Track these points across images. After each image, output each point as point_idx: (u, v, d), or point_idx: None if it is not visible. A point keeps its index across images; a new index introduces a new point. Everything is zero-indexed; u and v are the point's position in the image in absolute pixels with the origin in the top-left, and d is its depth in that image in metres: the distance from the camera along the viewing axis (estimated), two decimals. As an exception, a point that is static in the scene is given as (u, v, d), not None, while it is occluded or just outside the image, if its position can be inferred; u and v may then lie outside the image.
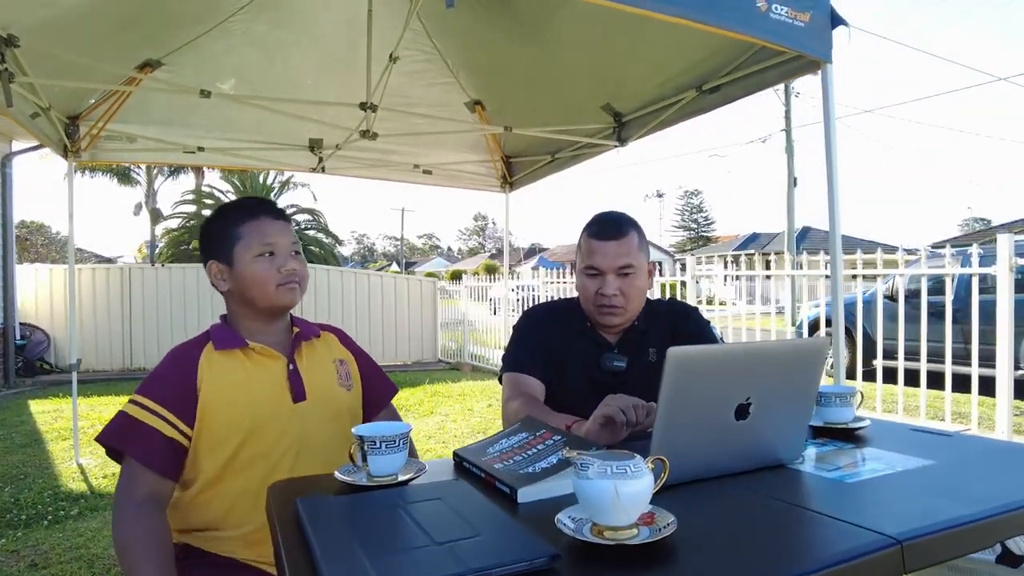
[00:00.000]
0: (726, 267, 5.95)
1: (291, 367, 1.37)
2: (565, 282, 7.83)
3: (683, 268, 6.01)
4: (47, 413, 5.72)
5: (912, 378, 3.80)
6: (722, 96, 3.14)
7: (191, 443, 1.29)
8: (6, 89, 2.65)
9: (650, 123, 3.66)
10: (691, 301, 6.00)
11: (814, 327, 8.31)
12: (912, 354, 3.85)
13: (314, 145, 4.39)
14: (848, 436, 1.31)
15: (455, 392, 6.76)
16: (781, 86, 17.39)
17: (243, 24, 3.49)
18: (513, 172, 5.02)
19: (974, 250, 3.36)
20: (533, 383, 1.52)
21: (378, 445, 1.01)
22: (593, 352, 1.56)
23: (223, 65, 3.74)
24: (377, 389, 1.56)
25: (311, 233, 18.06)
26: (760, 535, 0.82)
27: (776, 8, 2.34)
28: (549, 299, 3.40)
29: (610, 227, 1.54)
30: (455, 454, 1.15)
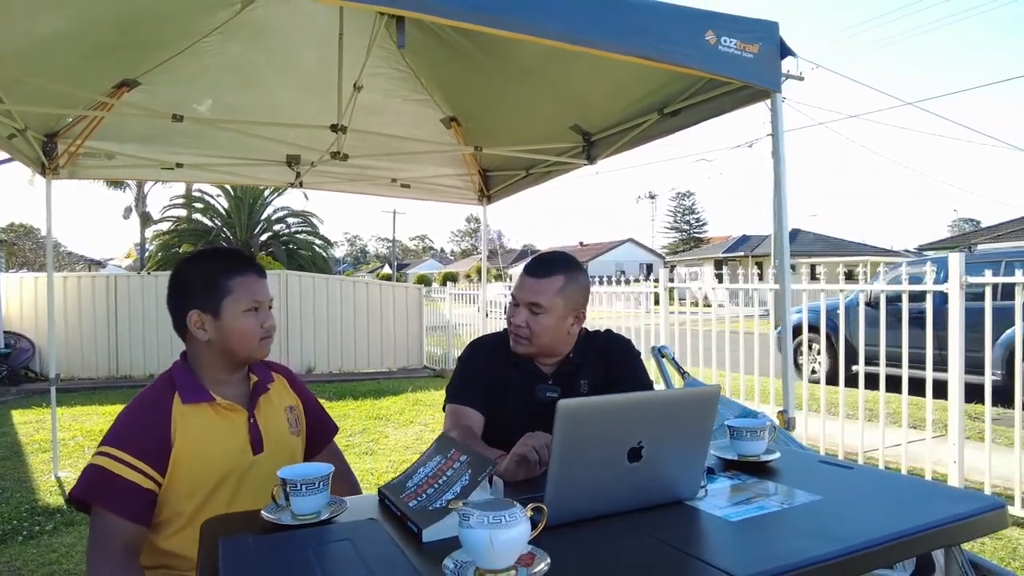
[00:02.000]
0: (718, 270, 6.01)
1: (251, 421, 1.46)
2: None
3: (657, 280, 6.10)
4: (29, 424, 5.76)
5: (894, 384, 3.89)
6: (683, 119, 3.23)
7: (162, 489, 1.34)
8: (-21, 117, 2.71)
9: (617, 143, 3.75)
10: (676, 306, 6.10)
11: (796, 331, 8.44)
12: (894, 360, 3.93)
13: (292, 161, 4.45)
14: (759, 469, 1.40)
15: (437, 400, 6.83)
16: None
17: (217, 45, 3.56)
18: (490, 185, 5.11)
19: (928, 268, 3.46)
20: (472, 415, 1.61)
21: (299, 487, 1.09)
22: (529, 383, 1.64)
23: (199, 85, 3.81)
24: (320, 430, 1.66)
25: (302, 236, 18.10)
26: (623, 573, 0.90)
27: (725, 41, 2.43)
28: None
29: (539, 266, 1.64)
30: (379, 491, 1.24)
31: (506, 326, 1.70)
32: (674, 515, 1.11)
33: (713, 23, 2.39)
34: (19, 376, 8.08)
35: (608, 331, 1.77)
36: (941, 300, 3.44)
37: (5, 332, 8.12)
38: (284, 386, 1.60)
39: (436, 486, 1.16)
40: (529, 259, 1.70)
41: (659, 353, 2.60)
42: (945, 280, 3.36)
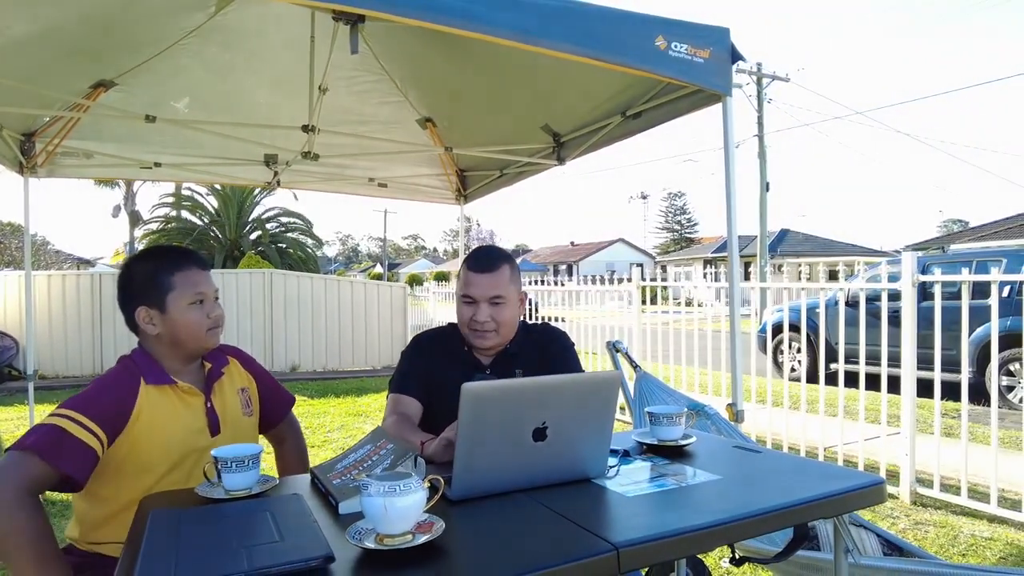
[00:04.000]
0: (706, 268, 6.10)
1: (208, 405, 1.55)
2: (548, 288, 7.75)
3: (631, 279, 6.21)
4: (10, 421, 5.82)
5: (873, 382, 4.00)
6: (645, 121, 3.33)
7: (104, 458, 1.39)
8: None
9: (585, 143, 3.84)
10: (662, 304, 6.21)
11: (777, 330, 8.57)
12: (873, 358, 4.02)
13: (269, 160, 4.53)
14: (675, 452, 1.49)
15: (418, 397, 6.90)
16: (754, 92, 17.73)
17: (195, 46, 3.62)
18: (467, 185, 5.19)
19: (883, 268, 3.57)
20: (410, 403, 1.70)
21: (230, 465, 1.18)
22: (468, 373, 1.73)
23: (176, 85, 3.88)
24: (274, 405, 1.75)
25: (292, 236, 18.13)
26: (514, 539, 1.00)
27: (676, 46, 2.54)
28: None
29: (484, 261, 1.72)
30: (310, 470, 1.33)
31: (460, 326, 1.74)
32: (576, 491, 1.21)
33: (663, 28, 2.49)
34: (3, 374, 8.12)
35: (545, 323, 1.86)
36: (919, 299, 3.54)
37: (-11, 330, 8.14)
38: (237, 368, 1.68)
39: (361, 469, 1.25)
40: (467, 258, 1.77)
41: (613, 347, 2.70)
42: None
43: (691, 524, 1.01)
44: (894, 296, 4.07)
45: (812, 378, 6.57)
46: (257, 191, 17.82)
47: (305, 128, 3.60)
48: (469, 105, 4.19)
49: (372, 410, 6.19)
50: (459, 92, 4.09)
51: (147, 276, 1.51)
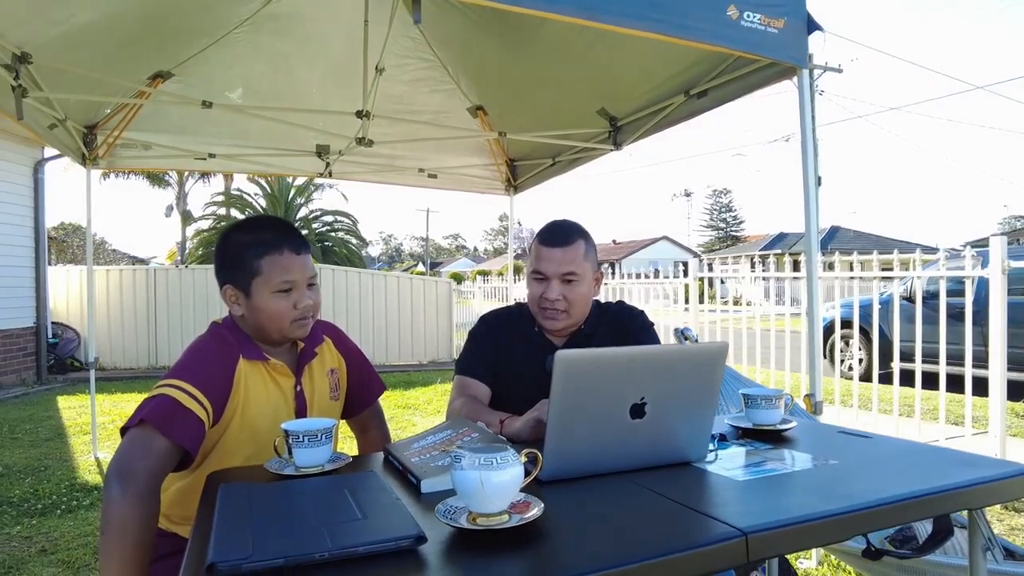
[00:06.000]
0: (752, 268, 5.84)
1: (298, 388, 1.43)
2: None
3: (687, 272, 6.00)
4: (72, 409, 5.98)
5: (931, 381, 3.74)
6: (710, 100, 3.17)
7: (210, 434, 1.29)
8: (18, 103, 2.82)
9: (643, 127, 3.70)
10: (705, 303, 6.01)
11: (829, 329, 8.20)
12: (931, 356, 3.77)
13: (321, 151, 4.52)
14: (775, 438, 1.36)
15: (465, 392, 6.85)
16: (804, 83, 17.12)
17: (248, 36, 3.63)
18: (517, 175, 5.10)
19: (967, 252, 3.32)
20: (478, 386, 1.61)
21: (301, 439, 1.10)
22: (539, 355, 1.62)
23: (230, 75, 3.89)
24: (362, 390, 1.63)
25: (339, 235, 18.34)
26: (622, 524, 0.89)
27: (748, 16, 2.37)
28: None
29: (558, 235, 1.60)
30: (384, 448, 1.24)
31: (530, 304, 1.64)
32: (678, 474, 1.09)
33: (735, -3, 2.34)
34: (65, 365, 8.38)
35: (620, 302, 1.74)
36: (983, 292, 3.29)
37: (52, 323, 8.42)
38: (330, 348, 1.56)
39: (442, 451, 1.15)
40: (539, 232, 1.66)
41: (681, 335, 2.56)
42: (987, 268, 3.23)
43: (823, 510, 0.88)
44: (955, 292, 3.80)
45: (869, 377, 6.26)
46: (304, 187, 18.11)
47: (359, 114, 3.55)
48: (521, 92, 4.09)
49: (420, 403, 6.16)
50: (511, 78, 4.00)
51: (236, 254, 1.38)
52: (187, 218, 20.46)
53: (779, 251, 30.87)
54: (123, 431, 1.21)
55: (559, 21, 3.13)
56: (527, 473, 0.88)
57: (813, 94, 2.62)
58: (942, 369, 3.57)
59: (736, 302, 8.40)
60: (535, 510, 0.85)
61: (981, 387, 3.54)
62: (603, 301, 1.74)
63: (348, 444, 1.70)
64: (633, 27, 2.12)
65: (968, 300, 3.36)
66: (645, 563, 0.76)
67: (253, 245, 1.37)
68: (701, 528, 0.85)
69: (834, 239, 28.55)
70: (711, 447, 1.20)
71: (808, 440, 1.32)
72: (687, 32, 2.22)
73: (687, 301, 5.92)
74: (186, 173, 19.74)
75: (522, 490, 0.89)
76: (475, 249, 78.15)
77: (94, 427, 4.33)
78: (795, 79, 2.59)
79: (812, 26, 2.52)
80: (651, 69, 3.29)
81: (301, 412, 1.43)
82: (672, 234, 47.00)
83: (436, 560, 0.79)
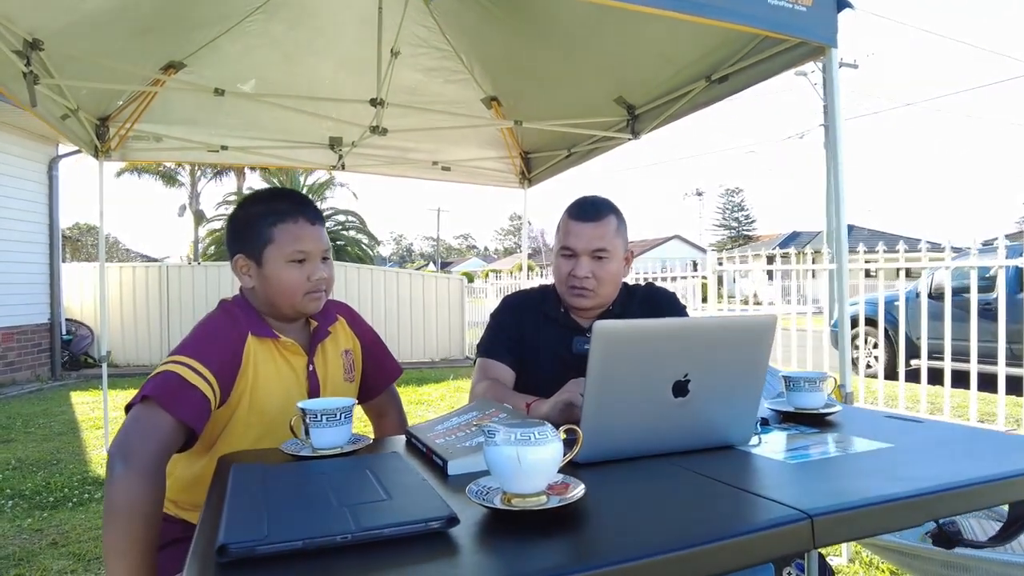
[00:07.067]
0: (770, 261, 5.75)
1: (310, 368, 1.37)
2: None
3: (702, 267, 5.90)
4: (85, 404, 5.98)
5: (959, 379, 3.60)
6: (731, 85, 3.08)
7: (217, 413, 1.24)
8: (31, 90, 2.78)
9: (662, 115, 3.61)
10: (723, 301, 5.91)
11: (852, 325, 8.04)
12: (958, 354, 3.64)
13: (334, 143, 4.47)
14: (819, 422, 1.28)
15: (478, 388, 6.79)
16: (819, 80, 16.95)
17: (260, 25, 3.58)
18: (531, 168, 5.02)
19: (1000, 242, 3.21)
20: (501, 369, 1.53)
21: (319, 418, 1.03)
22: (565, 336, 1.55)
23: (242, 65, 3.84)
24: (377, 372, 1.56)
25: (350, 234, 18.36)
26: (670, 508, 0.81)
27: (777, -7, 2.29)
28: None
29: (589, 210, 1.53)
30: (406, 430, 1.17)
31: (557, 283, 1.57)
32: (722, 457, 1.01)
33: (763, -27, 2.25)
34: (79, 362, 8.40)
35: (650, 283, 1.66)
36: (1013, 290, 3.18)
37: (66, 320, 8.44)
38: (344, 328, 1.50)
39: (468, 431, 1.08)
40: (569, 207, 1.58)
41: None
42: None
43: (891, 493, 0.80)
44: (985, 288, 3.68)
45: (893, 375, 6.13)
46: (317, 186, 18.15)
47: (373, 102, 3.49)
48: (535, 81, 4.01)
49: (433, 399, 6.10)
50: (525, 68, 3.93)
51: (249, 221, 1.32)
52: (200, 218, 20.55)
53: (792, 250, 30.58)
54: (127, 408, 1.16)
55: (577, 7, 3.11)
56: (567, 450, 0.81)
57: (835, 75, 2.51)
58: (973, 365, 3.45)
59: (744, 302, 8.28)
60: (578, 490, 0.78)
61: (1013, 386, 3.42)
62: (631, 284, 1.66)
63: (364, 431, 1.63)
64: (657, 6, 2.04)
65: (1001, 294, 3.24)
66: (701, 547, 0.69)
67: (267, 214, 1.31)
68: (760, 511, 0.77)
69: (848, 238, 28.22)
70: (755, 430, 1.12)
71: (856, 424, 1.24)
72: (712, 12, 2.13)
73: (704, 300, 5.82)
74: (198, 172, 19.83)
75: (559, 472, 0.82)
76: (486, 249, 78.14)
77: (106, 422, 4.30)
78: (821, 60, 2.50)
79: (842, 3, 2.43)
80: (670, 55, 3.20)
81: (314, 393, 1.35)
82: (684, 233, 46.74)
83: (469, 543, 0.72)
